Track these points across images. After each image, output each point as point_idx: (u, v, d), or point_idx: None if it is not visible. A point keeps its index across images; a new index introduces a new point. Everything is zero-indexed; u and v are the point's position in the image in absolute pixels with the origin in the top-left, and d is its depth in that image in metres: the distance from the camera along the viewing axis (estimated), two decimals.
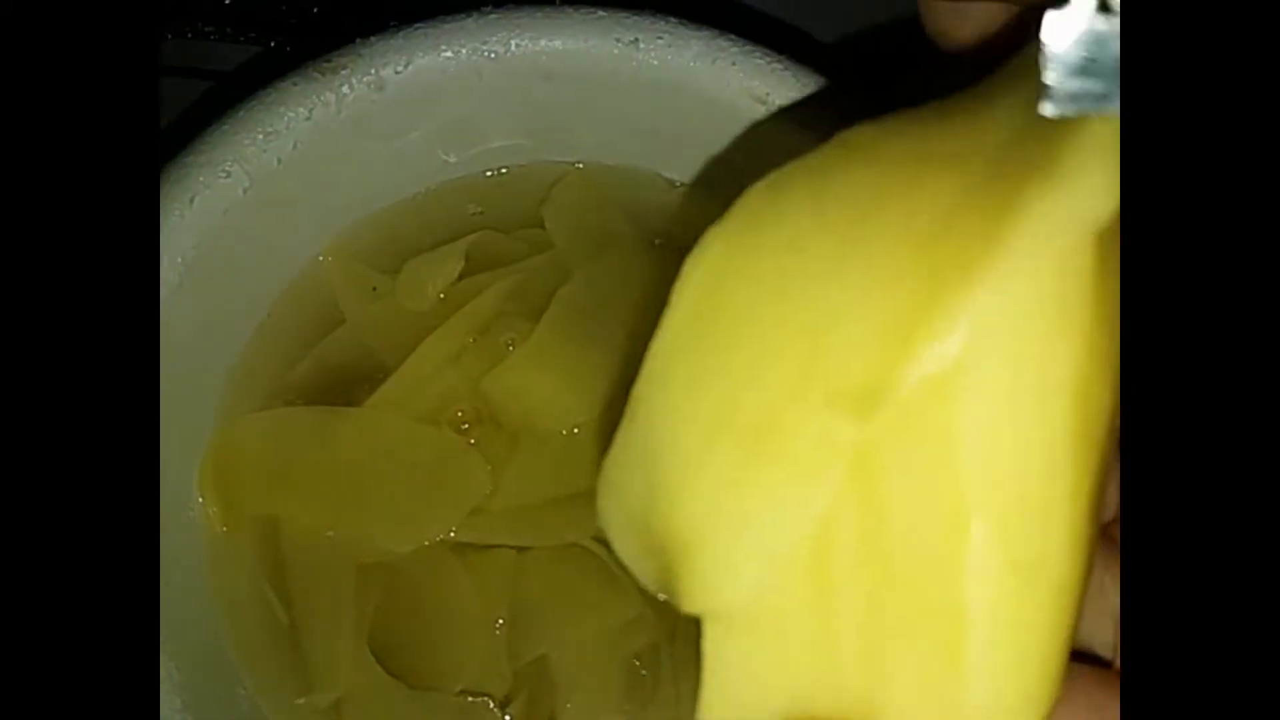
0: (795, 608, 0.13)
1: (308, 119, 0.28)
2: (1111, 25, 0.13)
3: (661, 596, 0.14)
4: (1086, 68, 0.13)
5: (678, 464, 0.13)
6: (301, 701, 0.28)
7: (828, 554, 0.13)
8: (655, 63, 0.29)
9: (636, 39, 0.29)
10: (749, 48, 0.29)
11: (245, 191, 0.28)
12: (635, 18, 0.29)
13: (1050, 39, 0.13)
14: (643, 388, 0.14)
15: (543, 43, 0.29)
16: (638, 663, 0.29)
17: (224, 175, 0.27)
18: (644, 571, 0.14)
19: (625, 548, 0.15)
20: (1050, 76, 0.13)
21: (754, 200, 0.14)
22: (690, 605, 0.14)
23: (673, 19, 0.29)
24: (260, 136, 0.28)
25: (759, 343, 0.13)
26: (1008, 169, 0.13)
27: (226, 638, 0.29)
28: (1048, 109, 0.13)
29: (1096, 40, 0.13)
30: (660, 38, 0.29)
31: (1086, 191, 0.13)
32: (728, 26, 0.29)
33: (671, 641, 0.29)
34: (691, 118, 0.30)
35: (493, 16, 0.29)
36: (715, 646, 0.14)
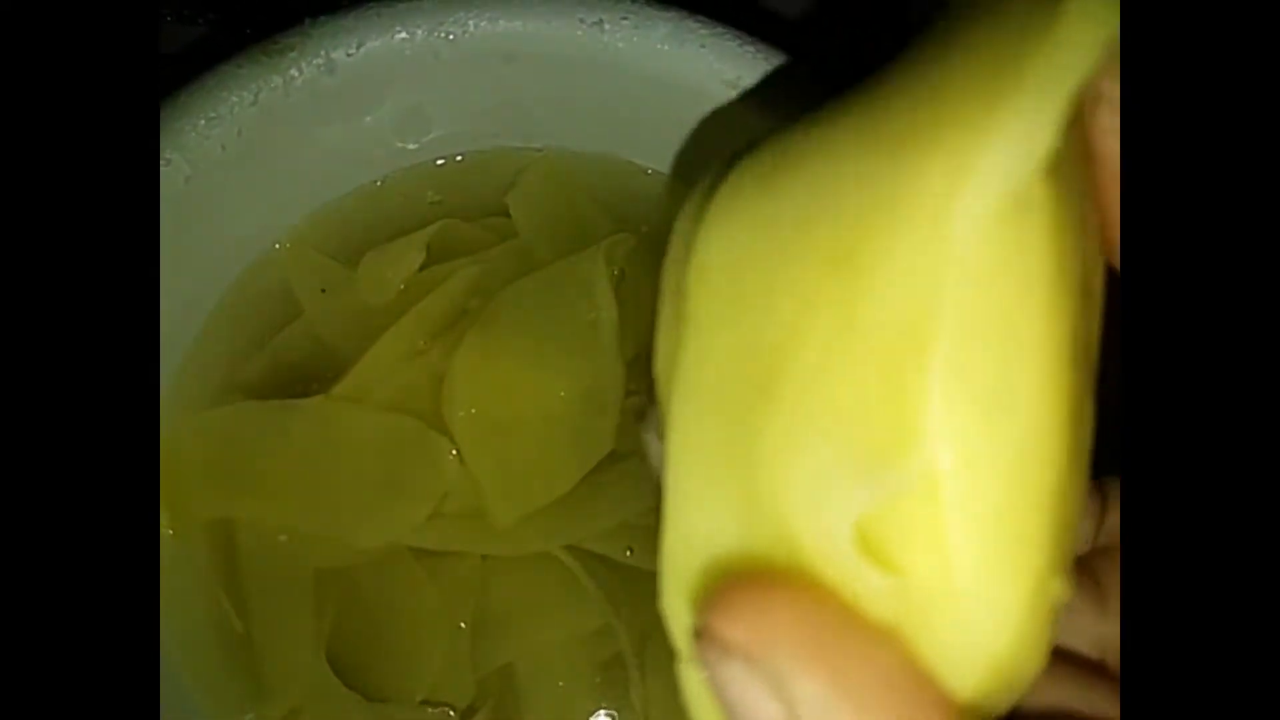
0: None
1: (253, 104, 0.27)
2: None
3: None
4: None
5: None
6: (250, 717, 0.27)
7: None
8: (621, 45, 0.28)
9: (601, 20, 0.27)
10: (719, 30, 0.27)
11: (187, 181, 0.26)
12: None
13: None
14: (684, 408, 0.14)
15: (502, 23, 0.28)
16: (605, 672, 0.28)
17: (164, 163, 0.26)
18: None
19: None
20: None
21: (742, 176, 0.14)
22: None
23: None
24: (202, 122, 0.26)
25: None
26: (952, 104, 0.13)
27: (174, 647, 0.28)
28: None
29: None
30: (626, 19, 0.28)
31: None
32: (696, 7, 0.28)
33: (639, 651, 0.28)
34: (659, 102, 0.28)
35: None
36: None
